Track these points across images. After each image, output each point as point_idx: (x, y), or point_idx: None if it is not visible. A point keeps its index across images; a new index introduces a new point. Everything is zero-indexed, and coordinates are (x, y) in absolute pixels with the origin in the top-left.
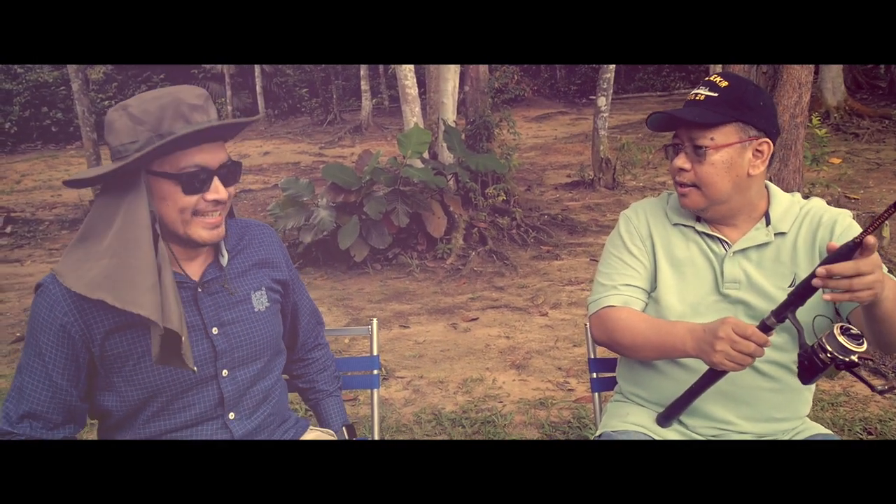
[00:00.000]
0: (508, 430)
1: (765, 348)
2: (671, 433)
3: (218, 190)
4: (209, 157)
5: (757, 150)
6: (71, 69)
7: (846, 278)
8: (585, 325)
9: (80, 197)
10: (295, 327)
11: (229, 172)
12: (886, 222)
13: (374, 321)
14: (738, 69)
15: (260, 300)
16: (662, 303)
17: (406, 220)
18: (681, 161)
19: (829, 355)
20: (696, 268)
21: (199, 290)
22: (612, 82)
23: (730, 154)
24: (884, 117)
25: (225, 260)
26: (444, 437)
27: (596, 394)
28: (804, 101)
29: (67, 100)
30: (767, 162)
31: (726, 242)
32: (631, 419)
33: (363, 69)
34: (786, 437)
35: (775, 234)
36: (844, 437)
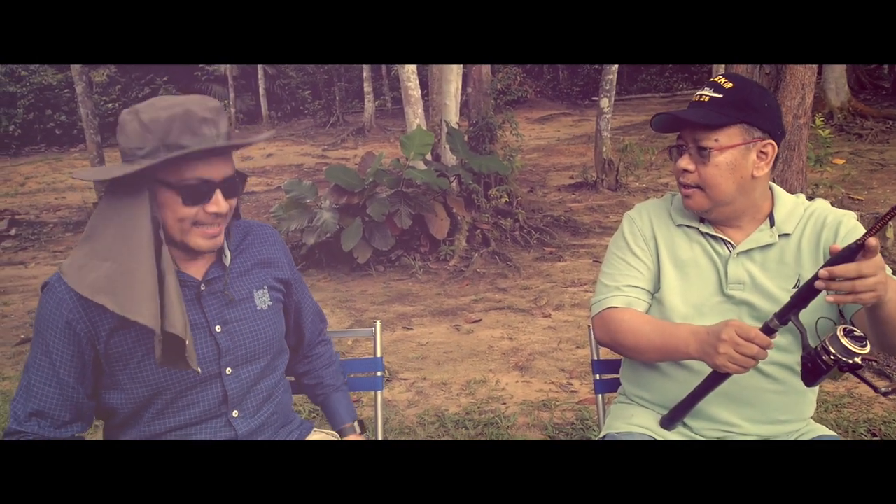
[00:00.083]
0: (512, 432)
1: (769, 350)
2: (675, 436)
3: (218, 203)
4: (213, 170)
5: (761, 152)
6: (75, 72)
7: (849, 280)
8: (589, 326)
9: (83, 199)
10: (299, 325)
11: (232, 185)
12: (890, 223)
13: (378, 323)
14: (740, 69)
15: (262, 299)
16: (666, 304)
17: (409, 222)
18: (685, 162)
19: (832, 357)
20: (699, 269)
21: (203, 287)
22: (614, 83)
23: (734, 155)
24: (887, 118)
25: (228, 259)
26: (447, 438)
27: (599, 395)
28: (807, 102)
29: (71, 102)
30: (772, 164)
31: (730, 243)
32: (635, 421)
33: (366, 71)
34: (790, 439)
35: (779, 236)
36: (849, 439)
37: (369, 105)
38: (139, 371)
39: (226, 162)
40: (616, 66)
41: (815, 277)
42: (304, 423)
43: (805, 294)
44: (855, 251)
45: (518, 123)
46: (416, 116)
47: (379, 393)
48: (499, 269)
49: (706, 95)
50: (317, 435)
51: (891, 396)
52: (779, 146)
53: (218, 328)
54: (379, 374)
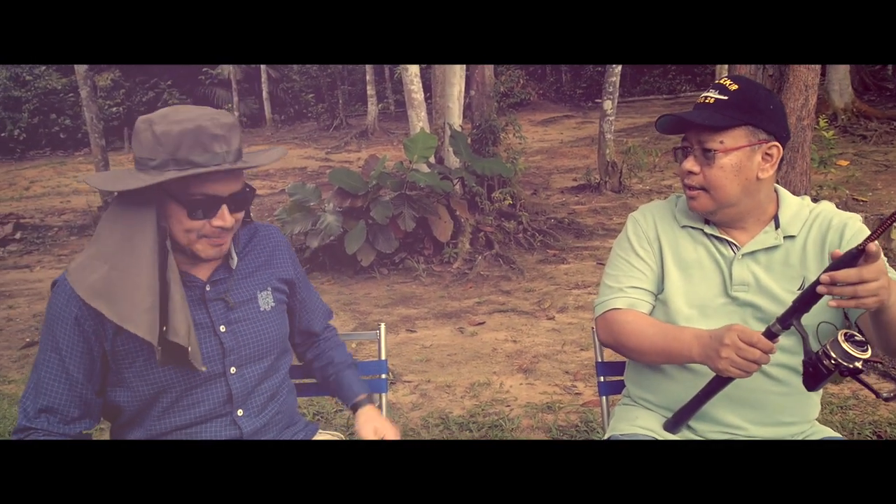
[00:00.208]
0: (516, 434)
1: (773, 352)
2: (679, 438)
3: (224, 217)
4: (220, 186)
5: (766, 154)
6: (79, 76)
7: (850, 285)
8: (592, 328)
9: (88, 203)
10: (307, 318)
11: (240, 200)
12: (894, 226)
13: (382, 326)
14: (744, 70)
15: (266, 300)
16: (670, 305)
17: (412, 225)
18: (690, 164)
19: (833, 362)
20: (704, 270)
21: (208, 289)
22: (617, 85)
23: (739, 157)
24: (892, 119)
25: (234, 263)
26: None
27: (604, 397)
28: (811, 104)
29: (76, 106)
30: (777, 165)
31: (735, 245)
32: (639, 423)
33: (369, 74)
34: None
35: (784, 238)
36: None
37: (372, 108)
38: (145, 369)
39: (234, 178)
40: (619, 68)
41: (818, 282)
42: (309, 424)
43: (807, 298)
44: (856, 256)
45: (521, 126)
46: (419, 119)
47: (383, 395)
48: (502, 271)
49: (711, 97)
50: (322, 436)
51: (893, 402)
52: (784, 148)
53: (222, 328)
54: (383, 376)
